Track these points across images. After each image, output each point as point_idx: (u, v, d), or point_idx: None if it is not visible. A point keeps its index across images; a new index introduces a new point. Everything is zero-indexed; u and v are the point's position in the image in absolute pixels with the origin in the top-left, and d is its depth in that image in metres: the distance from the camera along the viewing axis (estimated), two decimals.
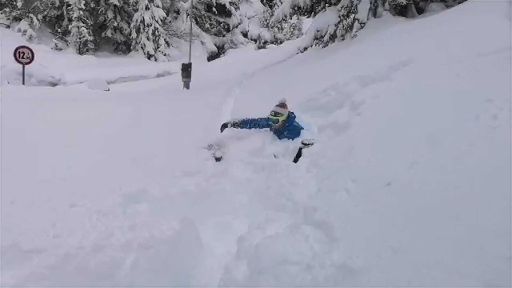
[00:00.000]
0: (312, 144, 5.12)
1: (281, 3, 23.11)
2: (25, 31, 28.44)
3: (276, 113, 6.02)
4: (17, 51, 14.66)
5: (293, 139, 5.74)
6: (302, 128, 5.97)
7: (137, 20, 31.10)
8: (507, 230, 2.01)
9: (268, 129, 6.32)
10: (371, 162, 3.44)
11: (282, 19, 16.52)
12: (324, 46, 13.46)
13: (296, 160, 5.21)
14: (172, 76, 24.44)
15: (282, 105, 6.12)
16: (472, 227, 2.16)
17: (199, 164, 5.31)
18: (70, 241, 3.37)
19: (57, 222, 3.71)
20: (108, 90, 15.82)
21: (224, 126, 6.53)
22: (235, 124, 6.45)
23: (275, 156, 5.46)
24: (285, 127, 6.02)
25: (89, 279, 3.11)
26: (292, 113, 6.22)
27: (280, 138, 6.00)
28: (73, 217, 3.84)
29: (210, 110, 9.47)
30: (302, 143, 5.39)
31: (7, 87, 13.38)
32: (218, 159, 5.64)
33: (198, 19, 36.26)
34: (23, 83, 16.04)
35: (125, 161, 5.55)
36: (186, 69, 15.53)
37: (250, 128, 6.45)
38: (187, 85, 15.40)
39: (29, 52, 14.86)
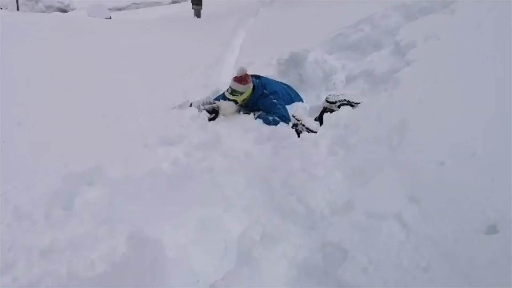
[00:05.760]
0: (339, 104, 3.65)
1: None
2: None
3: (233, 91, 4.21)
4: None
5: (278, 111, 4.09)
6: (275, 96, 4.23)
7: None
8: None
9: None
10: (445, 164, 1.91)
11: None
12: None
13: (319, 120, 3.85)
14: (188, 3, 22.67)
15: (241, 79, 4.18)
16: None
17: (183, 127, 3.87)
18: None
19: None
20: (110, 18, 14.06)
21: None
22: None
23: (294, 116, 4.02)
24: (253, 102, 4.29)
25: None
26: (258, 78, 4.38)
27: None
28: None
29: (216, 45, 7.92)
30: (327, 101, 3.93)
31: None
32: (211, 118, 4.18)
33: None
34: (17, 9, 14.61)
35: (89, 119, 4.17)
36: None
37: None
38: (197, 14, 13.57)
39: None
